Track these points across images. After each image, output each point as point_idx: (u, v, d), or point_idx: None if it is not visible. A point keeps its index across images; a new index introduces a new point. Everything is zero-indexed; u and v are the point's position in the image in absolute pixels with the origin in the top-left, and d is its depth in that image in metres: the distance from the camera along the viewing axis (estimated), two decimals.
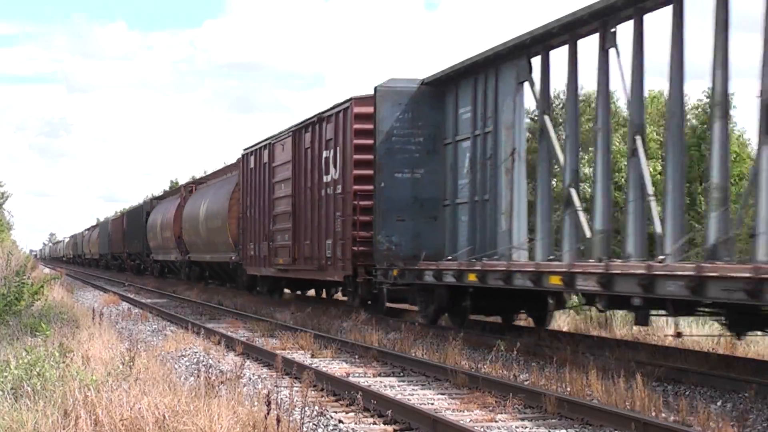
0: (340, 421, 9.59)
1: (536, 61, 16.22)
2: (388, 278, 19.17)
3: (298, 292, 29.43)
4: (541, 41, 15.73)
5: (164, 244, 41.54)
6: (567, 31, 15.05)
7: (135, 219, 51.19)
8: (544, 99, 16.14)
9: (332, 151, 21.49)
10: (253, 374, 13.00)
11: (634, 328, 17.17)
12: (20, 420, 7.85)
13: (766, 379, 11.29)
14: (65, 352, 11.14)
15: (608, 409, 9.62)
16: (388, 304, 20.35)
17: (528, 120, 14.34)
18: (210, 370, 10.72)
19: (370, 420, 9.81)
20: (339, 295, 24.96)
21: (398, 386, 12.07)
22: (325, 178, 22.06)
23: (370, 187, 19.68)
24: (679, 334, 14.21)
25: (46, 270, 51.91)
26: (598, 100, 14.72)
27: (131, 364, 10.61)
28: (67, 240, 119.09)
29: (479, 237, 17.60)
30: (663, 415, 9.76)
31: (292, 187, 24.29)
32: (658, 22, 11.88)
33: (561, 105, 15.53)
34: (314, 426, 9.27)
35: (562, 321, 18.87)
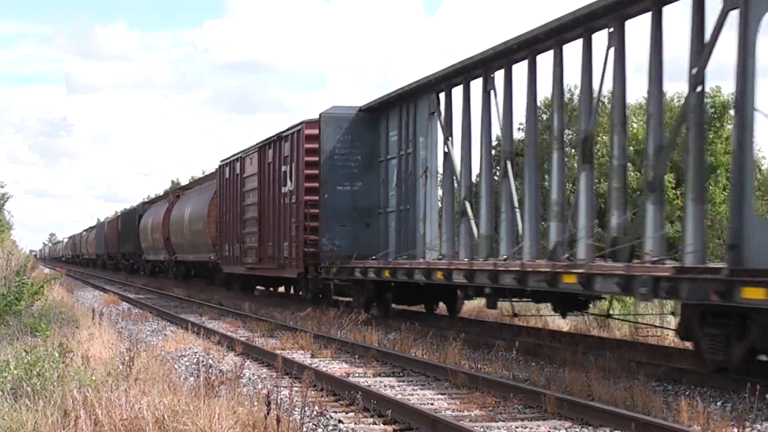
0: (340, 421, 9.59)
1: (443, 96, 19.57)
2: (330, 275, 22.62)
3: (271, 288, 32.64)
4: (444, 81, 19.19)
5: (154, 245, 44.49)
6: (461, 74, 18.40)
7: (129, 221, 54.04)
8: (448, 128, 19.40)
9: (289, 166, 24.74)
10: (253, 374, 13.01)
11: (633, 329, 17.22)
12: (20, 420, 7.85)
13: (765, 379, 11.28)
14: (65, 352, 11.13)
15: (608, 409, 9.62)
16: (334, 297, 23.60)
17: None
18: (210, 370, 10.71)
19: (370, 420, 9.81)
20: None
21: (398, 386, 12.07)
22: (283, 189, 25.26)
23: (318, 198, 22.99)
24: (515, 315, 18.67)
25: (46, 270, 52.53)
26: (482, 132, 17.89)
27: (131, 364, 10.60)
28: (66, 240, 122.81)
29: (403, 239, 21.08)
30: (663, 415, 9.75)
31: (258, 196, 27.56)
32: (522, 73, 16.36)
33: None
34: (314, 426, 9.27)
35: (562, 321, 18.87)
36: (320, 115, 22.88)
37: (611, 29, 13.91)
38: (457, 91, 18.91)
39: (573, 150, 16.84)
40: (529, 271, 14.85)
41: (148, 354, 12.79)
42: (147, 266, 49.30)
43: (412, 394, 11.43)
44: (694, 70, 12.24)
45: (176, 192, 44.26)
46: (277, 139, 25.82)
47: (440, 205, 19.99)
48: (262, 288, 32.26)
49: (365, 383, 11.85)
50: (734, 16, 11.45)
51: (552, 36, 15.21)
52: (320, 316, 21.56)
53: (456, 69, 18.28)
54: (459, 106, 18.80)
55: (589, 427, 9.34)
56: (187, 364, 14.06)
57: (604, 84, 14.16)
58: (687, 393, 11.22)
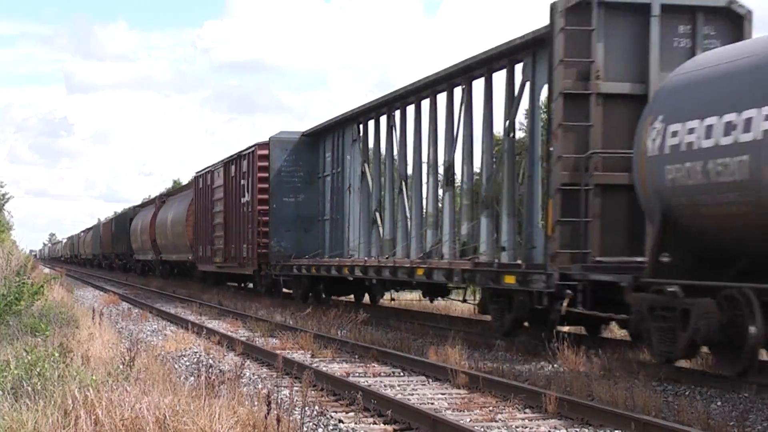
0: (340, 421, 9.59)
1: (362, 127, 24.12)
2: (277, 271, 27.17)
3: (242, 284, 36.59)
4: (362, 115, 23.82)
5: (143, 246, 48.99)
6: (373, 111, 23.26)
7: (121, 224, 58.57)
8: (365, 152, 24.12)
9: (246, 181, 29.15)
10: (254, 374, 13.01)
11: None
12: (20, 420, 7.84)
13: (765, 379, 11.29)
14: (65, 352, 11.13)
15: (608, 409, 9.63)
16: (284, 290, 28.01)
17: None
18: (210, 370, 10.71)
19: (370, 420, 9.82)
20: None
21: (398, 386, 12.08)
22: (242, 199, 29.64)
23: (268, 207, 27.33)
24: (392, 299, 23.97)
25: (46, 270, 52.94)
26: (386, 158, 22.54)
27: (131, 364, 10.60)
28: (65, 241, 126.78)
29: (334, 242, 25.85)
30: (663, 415, 9.76)
31: (224, 205, 32.14)
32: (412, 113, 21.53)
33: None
34: (314, 426, 9.27)
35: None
36: (270, 138, 27.33)
37: (463, 86, 18.50)
38: (371, 124, 23.60)
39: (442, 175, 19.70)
40: (398, 266, 20.02)
41: (148, 354, 12.79)
42: (137, 265, 53.10)
43: (413, 394, 11.43)
44: (507, 122, 16.95)
45: (162, 198, 48.81)
46: (238, 158, 30.27)
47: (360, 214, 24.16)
48: (235, 284, 36.08)
49: (365, 383, 11.85)
50: (528, 85, 16.23)
51: (429, 87, 19.86)
52: (320, 316, 21.62)
53: (370, 107, 23.06)
54: (372, 136, 23.52)
55: (590, 427, 9.34)
56: (188, 364, 14.06)
57: (460, 126, 18.61)
58: (687, 393, 11.23)
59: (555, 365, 13.41)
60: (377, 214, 23.02)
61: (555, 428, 9.38)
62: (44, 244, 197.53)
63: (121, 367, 10.38)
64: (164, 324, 21.85)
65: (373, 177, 23.42)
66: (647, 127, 12.87)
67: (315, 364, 13.63)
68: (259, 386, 11.60)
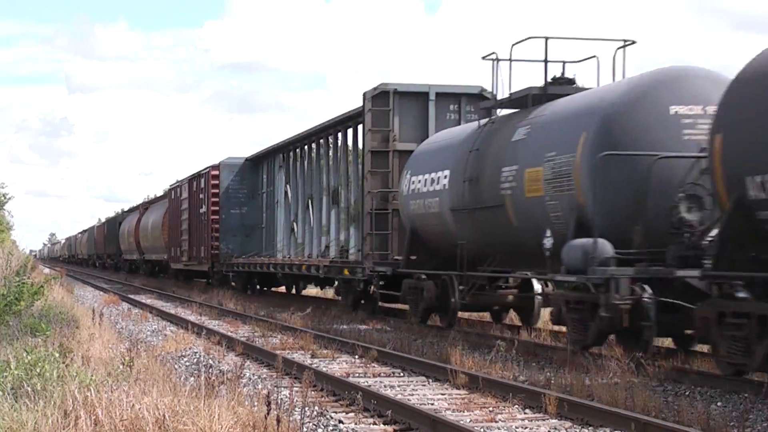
0: (340, 422, 9.59)
1: (285, 156, 30.68)
2: (224, 268, 34.12)
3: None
4: (284, 148, 30.41)
5: (130, 248, 55.27)
6: (291, 145, 29.45)
7: (112, 227, 64.87)
8: (287, 176, 30.36)
9: (203, 195, 35.21)
10: (253, 374, 13.01)
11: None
12: (20, 420, 7.84)
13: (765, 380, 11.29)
14: (65, 352, 11.13)
15: (608, 409, 9.62)
16: (232, 283, 34.58)
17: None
18: (210, 370, 10.71)
19: (370, 420, 9.81)
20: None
21: (398, 386, 12.07)
22: (200, 210, 35.71)
23: (218, 217, 33.74)
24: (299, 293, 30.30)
25: (46, 270, 53.42)
26: (299, 182, 28.92)
27: (131, 364, 10.60)
28: (63, 242, 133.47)
29: (268, 245, 31.85)
30: (663, 415, 9.76)
31: (188, 214, 37.99)
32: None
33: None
34: (314, 426, 9.27)
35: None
36: (220, 162, 34.17)
37: (331, 137, 25.81)
38: (291, 155, 30.05)
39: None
40: (294, 263, 26.78)
41: (148, 354, 12.79)
42: (125, 264, 59.14)
43: (412, 394, 11.43)
44: (347, 165, 24.52)
45: (145, 205, 54.80)
46: (198, 176, 36.61)
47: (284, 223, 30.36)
48: (203, 279, 40.21)
49: (365, 383, 11.85)
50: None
51: (316, 134, 26.82)
52: (320, 316, 21.63)
53: (289, 141, 29.29)
54: (291, 164, 29.96)
55: (590, 427, 9.34)
56: (188, 364, 14.06)
57: (338, 163, 25.29)
58: (687, 393, 11.22)
59: (555, 365, 13.41)
60: (294, 224, 29.39)
61: (555, 428, 9.38)
62: (44, 245, 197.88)
63: (121, 367, 10.39)
64: (164, 324, 21.85)
65: (291, 195, 29.95)
66: (404, 176, 20.58)
67: (315, 364, 13.62)
68: (259, 386, 11.60)
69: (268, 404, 7.86)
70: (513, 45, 16.43)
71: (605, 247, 13.27)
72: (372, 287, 21.76)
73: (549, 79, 16.41)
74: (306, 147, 28.16)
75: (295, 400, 8.98)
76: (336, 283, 25.00)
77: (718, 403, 10.59)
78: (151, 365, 11.43)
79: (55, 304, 20.95)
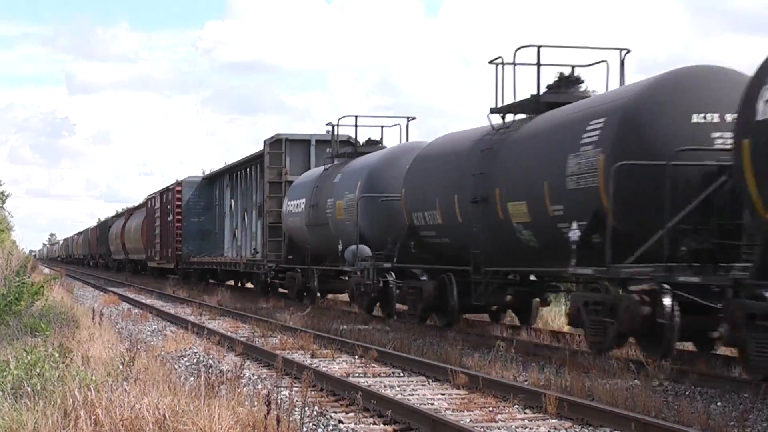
0: (340, 421, 9.59)
1: (230, 177, 37.16)
2: (185, 266, 40.75)
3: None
4: (230, 170, 37.15)
5: (117, 249, 61.65)
6: (234, 168, 36.36)
7: (103, 230, 72.33)
8: (231, 192, 37.09)
9: (170, 206, 41.50)
10: (253, 374, 13.01)
11: None
12: (20, 420, 7.84)
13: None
14: (65, 352, 11.14)
15: (608, 409, 9.62)
16: (193, 278, 41.16)
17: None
18: (210, 370, 10.71)
19: (370, 420, 9.81)
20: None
21: (398, 386, 12.07)
22: (168, 218, 42.08)
23: (181, 225, 40.16)
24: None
25: (45, 270, 54.47)
26: (239, 198, 35.96)
27: (131, 364, 10.60)
28: (61, 242, 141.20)
29: (218, 247, 38.55)
30: (663, 415, 9.76)
31: (160, 221, 44.35)
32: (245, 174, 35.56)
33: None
34: (314, 426, 9.27)
35: (562, 321, 18.90)
36: (182, 180, 40.89)
37: (253, 167, 33.26)
38: (235, 176, 36.62)
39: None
40: (226, 261, 35.26)
41: (148, 354, 12.79)
42: (114, 263, 66.17)
43: (412, 394, 11.43)
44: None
45: (130, 211, 61.19)
46: (167, 190, 43.13)
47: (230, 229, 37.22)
48: (174, 275, 44.41)
49: (365, 383, 11.85)
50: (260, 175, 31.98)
51: (244, 164, 34.39)
52: (320, 316, 21.65)
53: (233, 166, 36.41)
54: (234, 183, 36.54)
55: (590, 427, 9.34)
56: (187, 364, 14.06)
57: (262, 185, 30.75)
58: (687, 393, 11.23)
59: (555, 365, 13.42)
60: (235, 230, 36.38)
61: (555, 428, 9.38)
62: (44, 245, 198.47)
63: (121, 367, 10.38)
64: (164, 324, 21.85)
65: (234, 208, 36.78)
66: (285, 201, 28.00)
67: (315, 364, 13.62)
68: (259, 386, 11.60)
69: (268, 404, 7.86)
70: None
71: (365, 249, 21.42)
72: (268, 277, 30.31)
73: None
74: (244, 171, 34.97)
75: (294, 400, 8.98)
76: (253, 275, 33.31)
77: (718, 403, 10.59)
78: (151, 365, 11.43)
79: (55, 304, 20.96)
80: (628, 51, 16.30)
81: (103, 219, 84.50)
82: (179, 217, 39.81)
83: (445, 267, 18.71)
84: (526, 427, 9.42)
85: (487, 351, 15.09)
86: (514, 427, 9.42)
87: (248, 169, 34.08)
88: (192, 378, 11.48)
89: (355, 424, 9.57)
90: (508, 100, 17.07)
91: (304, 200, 26.22)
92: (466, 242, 17.56)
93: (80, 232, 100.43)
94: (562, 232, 14.49)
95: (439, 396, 11.31)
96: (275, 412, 7.75)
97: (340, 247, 22.90)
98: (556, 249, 14.83)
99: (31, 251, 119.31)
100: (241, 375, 11.61)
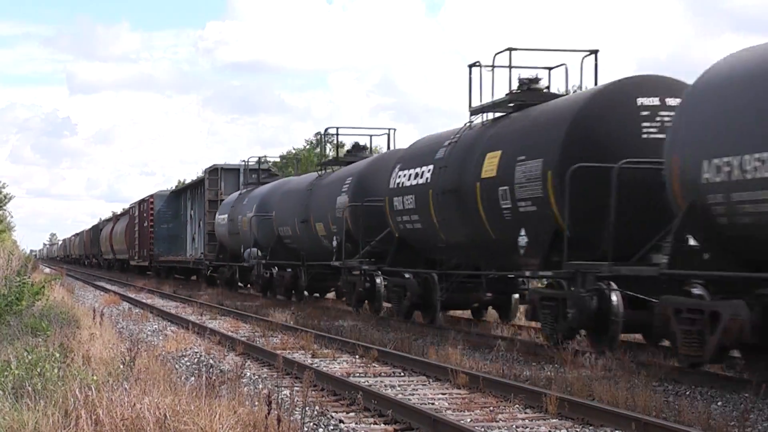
0: (341, 421, 9.59)
1: (192, 192, 43.96)
2: (156, 263, 49.03)
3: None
4: (191, 187, 45.43)
5: (107, 249, 69.89)
6: (194, 186, 44.61)
7: (96, 232, 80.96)
8: (192, 204, 43.87)
9: (146, 214, 49.11)
10: (254, 374, 13.01)
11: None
12: (21, 420, 7.84)
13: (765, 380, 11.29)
14: (66, 352, 11.14)
15: (609, 409, 9.63)
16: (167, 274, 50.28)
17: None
18: (210, 370, 10.72)
19: (371, 420, 9.82)
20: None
21: (399, 386, 12.08)
22: (144, 224, 49.77)
23: (153, 230, 48.02)
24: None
25: (46, 270, 55.00)
26: (198, 209, 42.34)
27: (132, 364, 10.60)
28: (59, 243, 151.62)
29: (183, 248, 45.42)
30: (664, 415, 9.76)
31: (138, 226, 51.95)
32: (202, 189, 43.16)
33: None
34: (315, 426, 9.27)
35: None
36: (154, 194, 49.21)
37: (200, 189, 41.67)
38: (193, 192, 44.18)
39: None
40: (185, 260, 43.45)
41: (148, 354, 12.78)
42: (105, 262, 74.07)
43: (413, 394, 11.43)
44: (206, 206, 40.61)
45: (117, 216, 68.95)
46: (143, 201, 50.90)
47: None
48: (150, 272, 53.26)
49: (366, 383, 11.85)
50: (204, 195, 41.90)
51: (197, 185, 43.15)
52: (321, 316, 21.66)
53: (192, 183, 44.75)
54: (195, 197, 43.60)
55: (590, 427, 9.34)
56: (188, 364, 14.07)
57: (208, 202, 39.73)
58: (688, 393, 11.23)
59: (555, 365, 13.43)
60: (194, 235, 43.50)
61: (555, 428, 9.39)
62: (44, 245, 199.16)
63: (121, 367, 10.39)
64: (165, 324, 21.86)
65: (192, 217, 44.27)
66: (218, 215, 36.92)
67: (315, 364, 13.62)
68: (260, 386, 11.60)
69: (269, 404, 7.86)
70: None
71: (254, 251, 31.31)
72: (207, 271, 39.78)
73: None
74: (199, 189, 42.81)
75: (295, 400, 8.98)
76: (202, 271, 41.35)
77: (719, 403, 10.60)
78: (151, 365, 11.43)
79: (56, 304, 20.96)
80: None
81: (102, 219, 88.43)
82: (152, 223, 48.17)
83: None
84: (526, 427, 9.42)
85: (488, 351, 15.10)
86: (514, 427, 9.42)
87: (200, 188, 42.12)
88: (193, 378, 11.48)
89: (356, 423, 9.57)
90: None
91: (226, 215, 35.58)
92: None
93: (76, 234, 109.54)
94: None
95: (440, 396, 11.31)
96: (276, 412, 7.75)
97: (242, 249, 32.89)
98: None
99: (31, 251, 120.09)
100: (242, 375, 11.63)
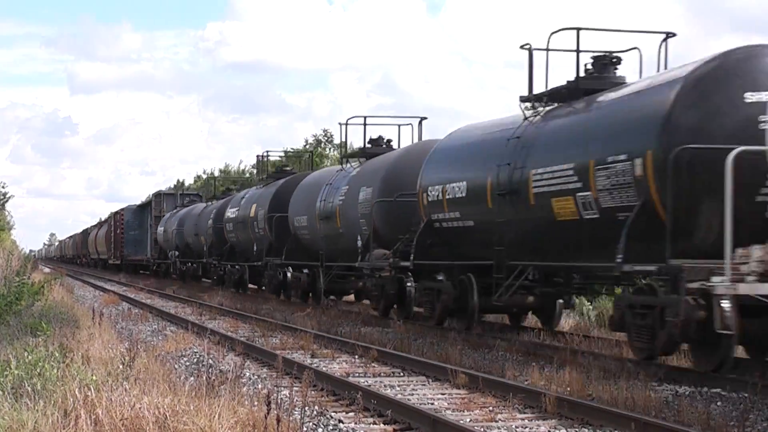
0: (340, 421, 9.59)
1: (155, 204, 58.24)
2: (126, 262, 60.66)
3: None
4: (148, 203, 60.27)
5: (93, 250, 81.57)
6: (150, 203, 59.23)
7: (85, 236, 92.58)
8: (151, 216, 57.89)
9: (118, 222, 60.41)
10: (253, 374, 13.01)
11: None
12: (20, 420, 7.84)
13: (765, 380, 11.29)
14: (65, 352, 11.13)
15: (608, 409, 9.62)
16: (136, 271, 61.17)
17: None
18: (210, 370, 10.72)
19: (370, 420, 9.81)
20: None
21: (398, 386, 12.08)
22: (117, 231, 60.54)
23: (124, 236, 59.66)
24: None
25: (46, 270, 55.91)
26: (153, 221, 57.35)
27: (131, 364, 10.60)
28: (56, 244, 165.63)
29: (146, 250, 58.06)
30: (663, 415, 9.76)
31: (113, 232, 62.41)
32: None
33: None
34: (314, 426, 9.27)
35: (562, 321, 18.91)
36: (123, 208, 60.49)
37: (148, 208, 60.11)
38: (152, 208, 56.25)
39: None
40: (143, 259, 58.48)
41: (148, 354, 12.79)
42: (92, 261, 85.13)
43: (412, 394, 11.43)
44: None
45: (101, 224, 79.36)
46: (116, 213, 62.97)
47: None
48: (120, 270, 62.88)
49: (365, 383, 11.85)
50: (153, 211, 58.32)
51: (147, 204, 61.45)
52: (320, 316, 21.64)
53: (149, 201, 58.12)
54: (152, 212, 56.63)
55: (590, 427, 9.34)
56: (188, 364, 14.07)
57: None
58: (687, 393, 11.23)
59: (555, 365, 13.44)
60: (154, 239, 53.93)
61: (555, 428, 9.38)
62: (44, 245, 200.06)
63: (121, 367, 10.38)
64: (164, 324, 21.85)
65: (152, 226, 54.52)
66: (158, 227, 53.52)
67: (315, 364, 13.62)
68: (259, 386, 11.60)
69: (268, 404, 7.86)
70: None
71: (174, 253, 47.73)
72: (154, 266, 54.45)
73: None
74: (149, 207, 57.68)
75: (295, 400, 8.98)
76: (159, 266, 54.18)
77: (718, 403, 10.59)
78: (151, 365, 11.43)
79: (55, 304, 20.97)
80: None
81: (90, 225, 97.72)
82: (123, 230, 60.07)
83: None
84: (526, 427, 9.42)
85: (487, 351, 15.10)
86: (514, 426, 9.42)
87: (155, 205, 56.83)
88: (192, 378, 11.48)
89: (355, 423, 9.57)
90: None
91: (162, 228, 51.56)
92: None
93: (71, 236, 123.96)
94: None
95: (439, 396, 11.31)
96: (275, 412, 7.75)
97: (169, 252, 48.31)
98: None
99: (31, 251, 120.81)
100: (242, 375, 11.61)
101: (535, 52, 16.06)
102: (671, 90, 12.73)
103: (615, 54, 15.49)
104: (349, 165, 25.03)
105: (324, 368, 13.30)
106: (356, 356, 14.86)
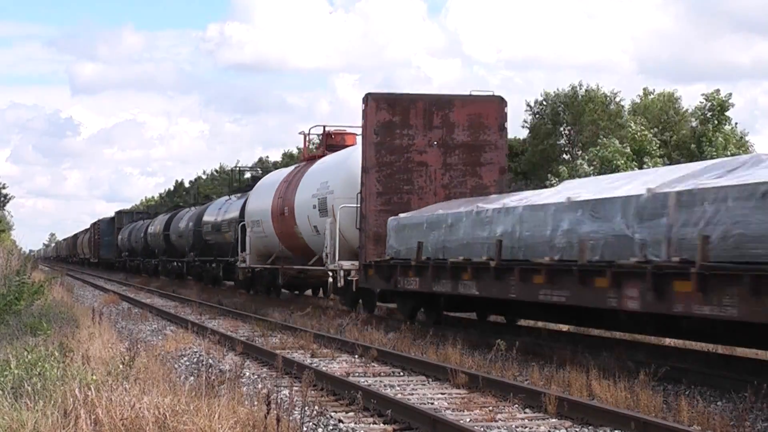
0: (340, 421, 9.59)
1: (119, 219, 75.89)
2: (102, 261, 77.96)
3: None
4: (116, 217, 77.20)
5: (81, 251, 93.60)
6: (117, 217, 76.84)
7: (75, 239, 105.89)
8: (116, 228, 74.92)
9: (96, 230, 78.36)
10: (253, 374, 13.01)
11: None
12: (20, 420, 7.84)
13: (764, 380, 11.29)
14: (65, 351, 11.13)
15: (608, 408, 9.62)
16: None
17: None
18: (210, 370, 10.72)
19: (370, 420, 9.81)
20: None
21: (398, 386, 12.08)
22: (96, 237, 78.13)
23: (100, 240, 77.22)
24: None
25: (45, 269, 55.93)
26: (129, 231, 70.64)
27: (131, 363, 10.59)
28: (53, 245, 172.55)
29: (116, 250, 72.48)
30: (663, 414, 9.76)
31: (94, 237, 77.91)
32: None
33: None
34: (314, 425, 9.27)
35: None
36: (99, 220, 77.55)
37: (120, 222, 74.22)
38: (122, 220, 72.58)
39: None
40: (110, 257, 75.29)
41: (148, 354, 12.79)
42: (80, 260, 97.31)
43: (412, 394, 11.43)
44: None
45: (86, 230, 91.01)
46: (95, 223, 78.44)
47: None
48: (98, 266, 76.40)
49: (365, 383, 11.85)
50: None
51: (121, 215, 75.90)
52: (320, 316, 21.65)
53: (116, 216, 74.96)
54: (120, 223, 72.36)
55: (590, 427, 9.34)
56: (188, 363, 14.06)
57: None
58: (687, 393, 11.22)
59: (555, 365, 13.44)
60: (125, 242, 63.03)
61: (555, 428, 9.38)
62: (44, 245, 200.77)
63: (121, 366, 10.38)
64: (164, 324, 21.85)
65: (121, 234, 65.86)
66: (119, 234, 70.44)
67: (315, 364, 13.62)
68: (259, 386, 11.60)
69: (268, 404, 7.86)
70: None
71: (125, 253, 66.02)
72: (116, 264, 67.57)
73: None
74: (114, 220, 71.49)
75: (295, 400, 8.98)
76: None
77: (718, 403, 10.59)
78: (151, 365, 11.43)
79: (55, 304, 20.96)
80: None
81: (79, 231, 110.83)
82: (99, 236, 74.83)
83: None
84: (526, 427, 9.42)
85: (487, 350, 15.09)
86: (514, 426, 9.42)
87: (114, 220, 72.05)
88: (192, 377, 11.48)
89: (355, 423, 9.57)
90: None
91: (121, 236, 65.91)
92: None
93: (65, 239, 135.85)
94: None
95: (439, 395, 11.31)
96: (275, 412, 7.75)
97: (125, 254, 64.68)
98: None
99: (31, 251, 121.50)
100: (241, 374, 11.62)
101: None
102: None
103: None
104: (134, 223, 41.93)
105: (324, 368, 13.30)
106: (356, 356, 14.86)
